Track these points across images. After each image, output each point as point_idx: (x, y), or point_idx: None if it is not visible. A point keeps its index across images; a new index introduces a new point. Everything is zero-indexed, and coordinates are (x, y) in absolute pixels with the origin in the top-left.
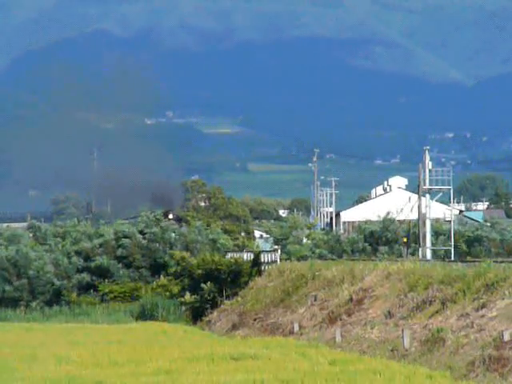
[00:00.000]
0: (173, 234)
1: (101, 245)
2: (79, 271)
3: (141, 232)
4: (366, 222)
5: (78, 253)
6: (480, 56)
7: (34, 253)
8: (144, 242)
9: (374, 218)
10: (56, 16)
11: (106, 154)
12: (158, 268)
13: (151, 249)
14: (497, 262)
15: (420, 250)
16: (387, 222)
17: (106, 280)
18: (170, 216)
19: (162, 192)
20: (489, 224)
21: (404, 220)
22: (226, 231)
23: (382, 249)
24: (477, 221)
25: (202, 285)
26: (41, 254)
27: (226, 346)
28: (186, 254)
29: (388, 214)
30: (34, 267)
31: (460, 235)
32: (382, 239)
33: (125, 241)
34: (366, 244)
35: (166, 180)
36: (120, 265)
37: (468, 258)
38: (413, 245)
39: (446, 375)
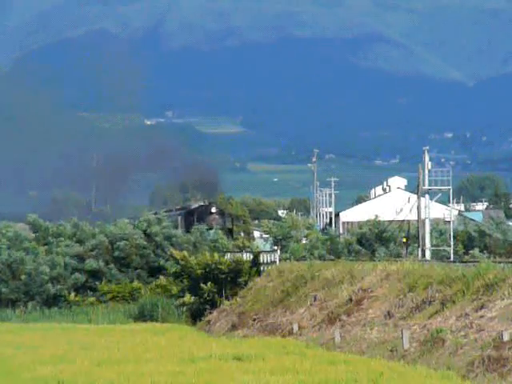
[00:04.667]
0: (175, 232)
1: (94, 247)
2: (74, 272)
3: (144, 232)
4: (358, 223)
5: (72, 256)
6: (480, 56)
7: (29, 255)
8: (143, 242)
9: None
10: (56, 16)
11: (106, 153)
12: (156, 269)
13: (150, 249)
14: (496, 262)
15: (419, 250)
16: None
17: (103, 280)
18: (213, 210)
19: (203, 180)
20: (490, 224)
21: (403, 220)
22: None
23: (380, 250)
24: (477, 221)
25: (202, 285)
26: (37, 254)
27: (226, 346)
28: (187, 254)
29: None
30: (28, 269)
31: (461, 235)
32: (375, 241)
33: (121, 243)
34: (360, 247)
35: (207, 168)
36: (115, 266)
37: (465, 258)
38: (413, 245)
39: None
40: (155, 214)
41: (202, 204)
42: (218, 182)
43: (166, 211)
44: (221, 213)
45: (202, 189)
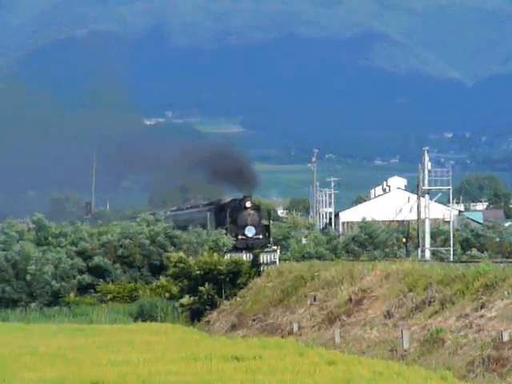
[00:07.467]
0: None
1: (103, 244)
2: (80, 272)
3: (140, 233)
4: (359, 223)
5: (78, 253)
6: (480, 56)
7: (34, 254)
8: (145, 241)
9: (377, 219)
10: (56, 16)
11: (105, 153)
12: (158, 268)
13: (151, 249)
14: (496, 262)
15: (419, 250)
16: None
17: (104, 280)
18: (248, 204)
19: (241, 173)
20: (489, 225)
21: (403, 220)
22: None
23: (376, 252)
24: (478, 222)
25: (200, 287)
26: (41, 254)
27: (226, 346)
28: (184, 255)
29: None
30: (32, 269)
31: (460, 236)
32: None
33: (125, 241)
34: (357, 247)
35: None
36: (119, 265)
37: (464, 259)
38: (412, 245)
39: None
40: (177, 210)
41: (235, 198)
42: (256, 174)
43: (189, 207)
44: (256, 208)
45: (237, 182)
